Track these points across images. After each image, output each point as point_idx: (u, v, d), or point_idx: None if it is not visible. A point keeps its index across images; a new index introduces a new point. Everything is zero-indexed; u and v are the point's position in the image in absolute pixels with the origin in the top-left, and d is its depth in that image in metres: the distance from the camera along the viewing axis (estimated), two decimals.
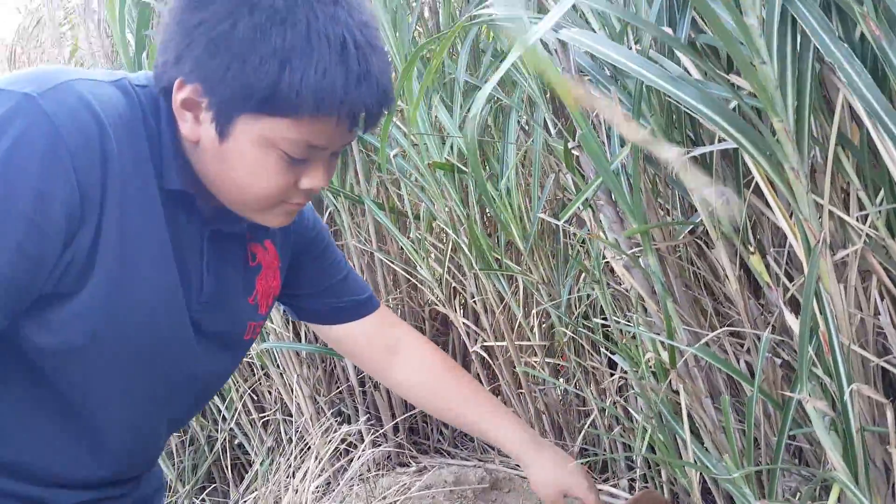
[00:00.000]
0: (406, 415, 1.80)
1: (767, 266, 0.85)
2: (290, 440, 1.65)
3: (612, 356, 1.36)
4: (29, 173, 0.52)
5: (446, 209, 1.52)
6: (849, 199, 0.76)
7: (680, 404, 0.97)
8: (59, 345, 0.59)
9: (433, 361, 0.95)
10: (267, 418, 1.91)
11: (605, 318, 1.41)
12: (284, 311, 1.80)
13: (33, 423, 0.63)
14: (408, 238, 1.65)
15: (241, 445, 2.02)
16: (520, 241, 1.51)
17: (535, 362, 1.67)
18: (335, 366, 1.86)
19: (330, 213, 1.74)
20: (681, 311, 1.01)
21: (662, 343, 0.98)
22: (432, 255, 1.67)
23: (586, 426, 1.54)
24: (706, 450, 0.98)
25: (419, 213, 1.66)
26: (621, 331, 1.32)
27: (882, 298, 0.73)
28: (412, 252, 1.63)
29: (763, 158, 0.69)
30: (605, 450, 1.58)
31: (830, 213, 0.71)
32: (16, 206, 0.52)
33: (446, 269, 1.62)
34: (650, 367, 1.08)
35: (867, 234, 0.71)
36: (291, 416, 1.82)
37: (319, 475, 1.41)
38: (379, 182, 1.72)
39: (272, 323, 1.75)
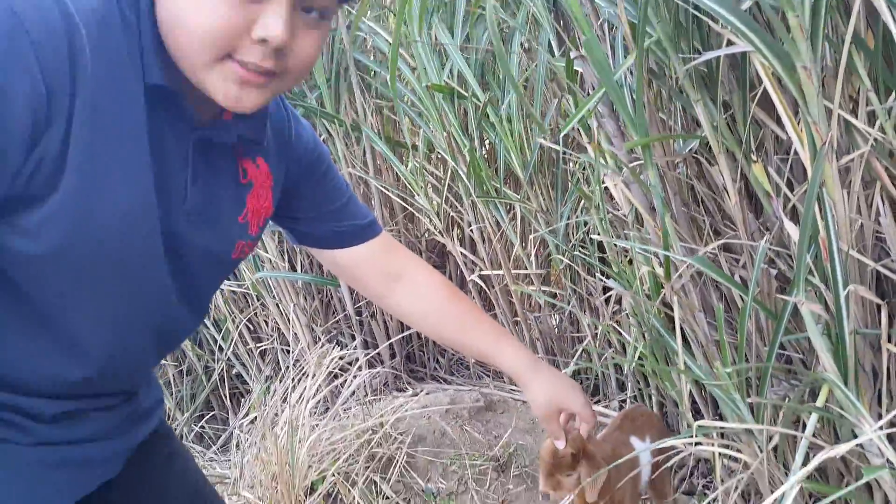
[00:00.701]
0: (400, 337, 1.82)
1: (768, 176, 0.85)
2: (287, 368, 1.68)
3: (606, 281, 1.38)
4: None
5: (444, 135, 1.50)
6: (857, 107, 0.76)
7: (672, 318, 0.98)
8: (34, 249, 0.57)
9: (436, 288, 0.94)
10: (264, 348, 1.94)
11: (601, 243, 1.43)
12: (281, 238, 1.82)
13: (5, 334, 0.61)
14: (405, 167, 1.64)
15: (239, 375, 2.05)
16: (519, 170, 1.50)
17: (532, 291, 1.69)
18: (332, 296, 1.88)
19: (323, 140, 1.72)
20: (678, 229, 1.02)
21: (657, 257, 0.99)
22: (430, 185, 1.67)
23: (580, 350, 1.58)
24: (697, 363, 1.01)
25: (416, 143, 1.64)
26: (617, 252, 1.33)
27: (884, 203, 0.74)
28: (410, 181, 1.62)
29: (774, 58, 0.68)
30: (597, 374, 1.63)
31: (838, 117, 0.71)
32: None
33: (444, 197, 1.62)
34: (644, 286, 1.10)
35: (874, 138, 0.71)
36: (288, 345, 1.84)
37: (315, 394, 1.44)
38: (375, 109, 1.69)
39: (266, 252, 1.75)
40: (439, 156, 1.64)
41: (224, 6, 0.54)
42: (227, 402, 2.02)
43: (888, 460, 0.74)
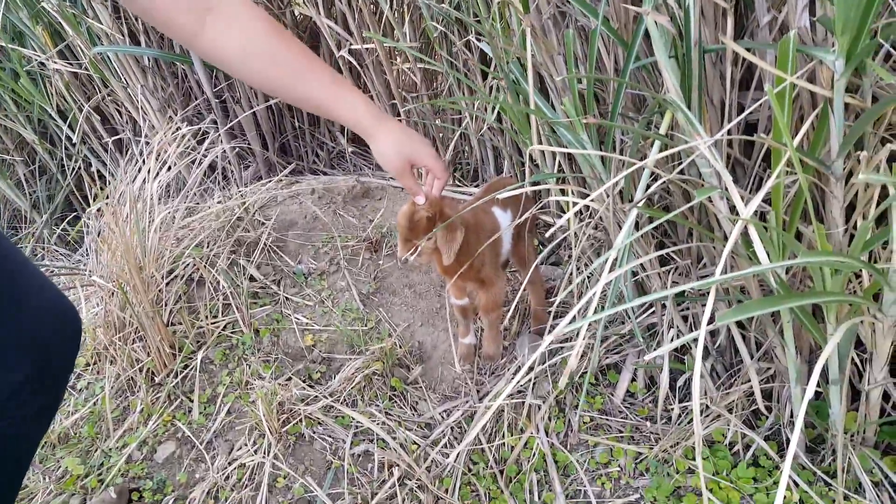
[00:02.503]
0: (266, 111, 1.68)
1: None
2: (143, 156, 1.52)
3: (479, 43, 1.27)
4: None
5: None
6: None
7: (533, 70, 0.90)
8: None
9: (256, 20, 0.78)
10: (120, 139, 1.75)
11: (478, 16, 1.29)
12: (117, 8, 1.54)
13: None
14: None
15: (98, 172, 1.87)
16: None
17: (408, 68, 1.56)
18: (189, 80, 1.67)
19: None
20: None
21: None
22: None
23: (460, 129, 1.51)
24: (553, 109, 0.95)
25: None
26: (492, 19, 1.21)
27: None
28: None
29: None
30: (477, 157, 1.58)
31: None
32: None
33: None
34: (502, 21, 1.00)
35: None
36: (144, 134, 1.66)
37: (168, 171, 1.31)
38: None
39: (101, 24, 1.49)
40: None
41: None
42: (90, 203, 1.87)
43: (719, 179, 0.73)
